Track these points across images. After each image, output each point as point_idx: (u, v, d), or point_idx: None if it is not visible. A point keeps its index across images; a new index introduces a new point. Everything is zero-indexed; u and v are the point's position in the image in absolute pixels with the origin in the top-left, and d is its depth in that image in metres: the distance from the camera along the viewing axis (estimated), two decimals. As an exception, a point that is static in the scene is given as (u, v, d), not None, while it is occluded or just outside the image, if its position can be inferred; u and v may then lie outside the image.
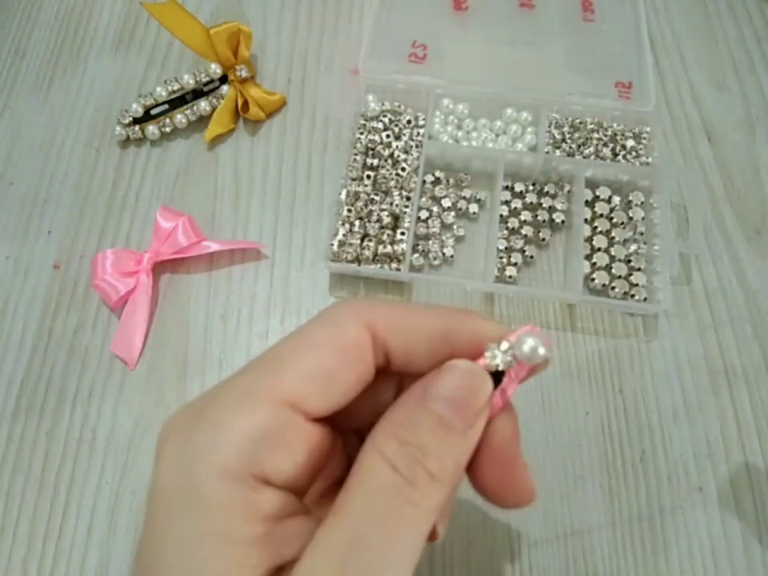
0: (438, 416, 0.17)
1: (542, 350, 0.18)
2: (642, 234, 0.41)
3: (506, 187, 0.43)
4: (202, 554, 0.15)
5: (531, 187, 0.43)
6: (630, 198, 0.42)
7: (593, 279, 0.40)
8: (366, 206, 0.40)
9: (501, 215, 0.41)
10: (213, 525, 0.15)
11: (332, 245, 0.39)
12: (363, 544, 0.15)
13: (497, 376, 0.19)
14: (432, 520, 0.17)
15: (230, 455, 0.16)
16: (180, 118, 0.44)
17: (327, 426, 0.19)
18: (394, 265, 0.39)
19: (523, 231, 0.41)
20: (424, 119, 0.44)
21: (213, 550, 0.15)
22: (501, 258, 0.41)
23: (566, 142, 0.44)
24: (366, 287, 0.41)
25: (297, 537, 0.17)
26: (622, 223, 0.41)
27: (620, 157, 0.43)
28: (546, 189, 0.43)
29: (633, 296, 0.39)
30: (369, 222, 0.40)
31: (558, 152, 0.43)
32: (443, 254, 0.41)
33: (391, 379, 0.21)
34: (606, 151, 0.43)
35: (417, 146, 0.43)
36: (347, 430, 0.22)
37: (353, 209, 0.40)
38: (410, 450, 0.17)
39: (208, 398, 0.17)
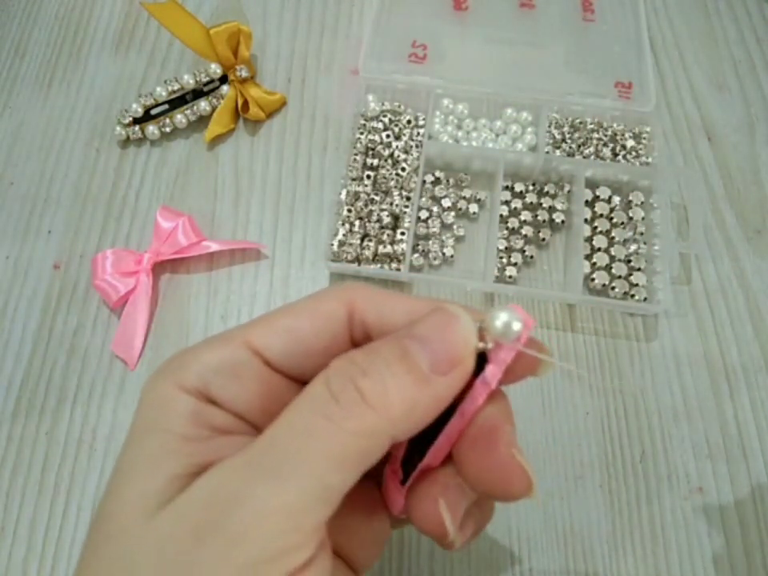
0: (403, 350, 0.17)
1: (516, 325, 0.17)
2: (642, 234, 0.41)
3: (506, 187, 0.43)
4: (148, 442, 0.18)
5: (531, 187, 0.43)
6: (630, 198, 0.42)
7: (593, 279, 0.40)
8: (365, 205, 0.40)
9: (501, 215, 0.41)
10: (163, 422, 0.18)
11: (332, 245, 0.39)
12: (272, 449, 0.16)
13: (480, 366, 0.18)
14: (360, 449, 0.16)
15: (188, 375, 0.18)
16: (180, 118, 0.44)
17: (298, 384, 0.20)
18: (393, 265, 0.39)
19: (523, 231, 0.41)
20: (424, 119, 0.44)
21: (156, 439, 0.18)
22: (501, 258, 0.41)
23: (566, 142, 0.44)
24: (365, 287, 0.40)
25: (238, 447, 0.18)
26: (622, 223, 0.41)
27: (620, 157, 0.43)
28: (546, 189, 0.43)
29: (633, 296, 0.39)
30: (369, 221, 0.40)
31: (558, 152, 0.43)
32: (443, 253, 0.41)
33: None
34: (606, 151, 0.43)
35: (417, 146, 0.43)
36: None
37: (353, 209, 0.40)
38: (352, 369, 0.17)
39: (200, 342, 0.20)
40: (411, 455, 0.20)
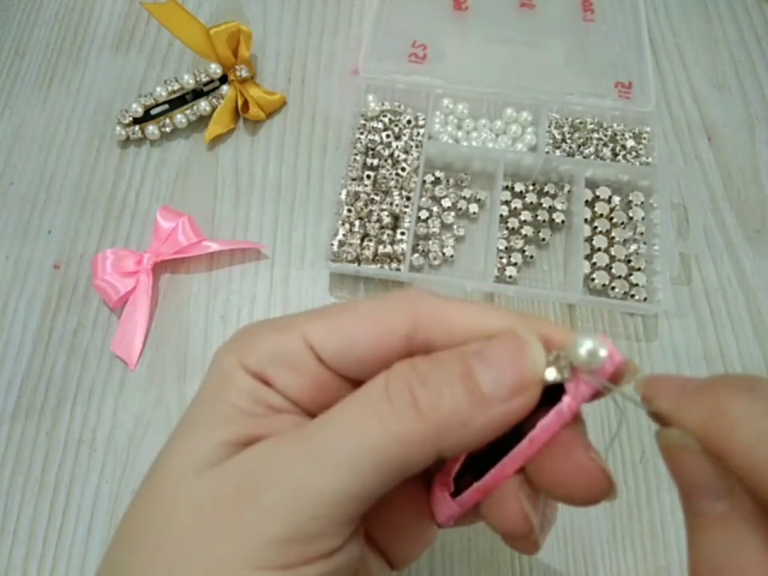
0: (467, 368, 0.17)
1: (603, 352, 0.15)
2: (642, 234, 0.41)
3: (506, 187, 0.43)
4: (208, 408, 0.19)
5: (531, 187, 0.43)
6: (630, 198, 0.42)
7: (593, 279, 0.40)
8: (365, 205, 0.40)
9: (501, 215, 0.41)
10: (224, 393, 0.19)
11: (332, 245, 0.39)
12: (319, 434, 0.17)
13: (554, 397, 0.16)
14: (403, 454, 0.16)
15: (249, 357, 0.19)
16: (180, 118, 0.44)
17: (349, 383, 0.20)
18: (393, 265, 0.39)
19: (523, 231, 0.41)
20: (424, 119, 0.44)
21: (216, 407, 0.19)
22: (501, 258, 0.41)
23: (566, 142, 0.44)
24: (365, 287, 0.41)
25: (288, 424, 0.19)
26: (622, 223, 0.41)
27: (620, 157, 0.43)
28: (546, 189, 0.43)
29: (633, 296, 0.39)
30: (369, 221, 0.40)
31: (558, 152, 0.43)
32: (443, 253, 0.41)
33: None
34: (606, 151, 0.43)
35: (417, 146, 0.43)
36: None
37: (353, 209, 0.40)
38: (412, 375, 0.17)
39: (261, 322, 0.21)
40: (465, 470, 0.19)
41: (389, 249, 0.39)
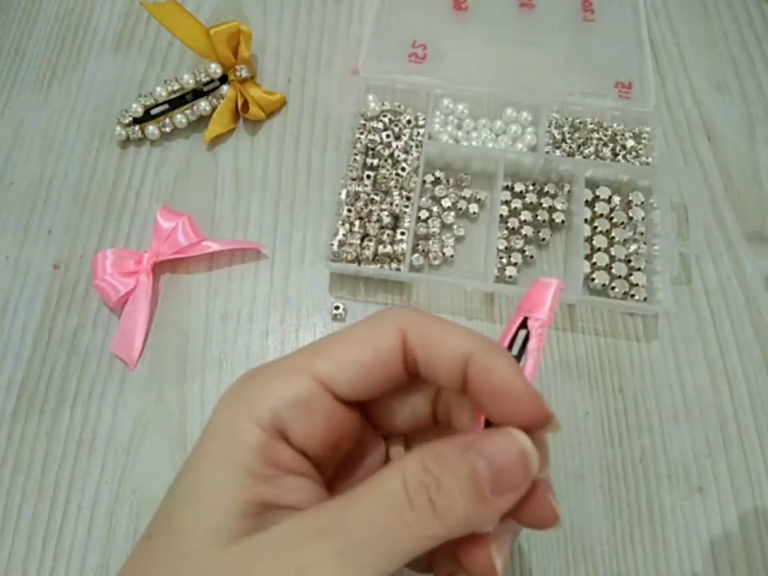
0: (472, 470, 0.18)
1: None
2: (642, 234, 0.41)
3: (506, 187, 0.43)
4: (216, 472, 0.19)
5: (531, 187, 0.43)
6: (630, 197, 0.42)
7: (593, 279, 0.40)
8: (365, 205, 0.40)
9: (501, 215, 0.41)
10: (233, 454, 0.19)
11: (332, 245, 0.39)
12: (346, 529, 0.17)
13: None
14: (419, 550, 0.18)
15: (263, 408, 0.19)
16: (180, 117, 0.44)
17: (359, 415, 0.22)
18: (393, 265, 0.39)
19: (523, 231, 0.41)
20: (424, 119, 0.44)
21: (226, 470, 0.19)
22: (501, 258, 0.41)
23: (566, 142, 0.44)
24: (365, 287, 0.41)
25: (297, 490, 0.19)
26: (622, 223, 0.41)
27: (620, 157, 0.43)
28: (546, 189, 0.43)
29: (633, 296, 0.39)
30: (369, 222, 0.40)
31: (558, 152, 0.43)
32: (443, 253, 0.41)
33: (426, 392, 0.23)
34: (606, 151, 0.43)
35: (417, 146, 0.43)
36: (389, 433, 0.24)
37: (353, 209, 0.40)
38: (428, 478, 0.18)
39: (262, 368, 0.21)
40: None
41: (389, 249, 0.39)
